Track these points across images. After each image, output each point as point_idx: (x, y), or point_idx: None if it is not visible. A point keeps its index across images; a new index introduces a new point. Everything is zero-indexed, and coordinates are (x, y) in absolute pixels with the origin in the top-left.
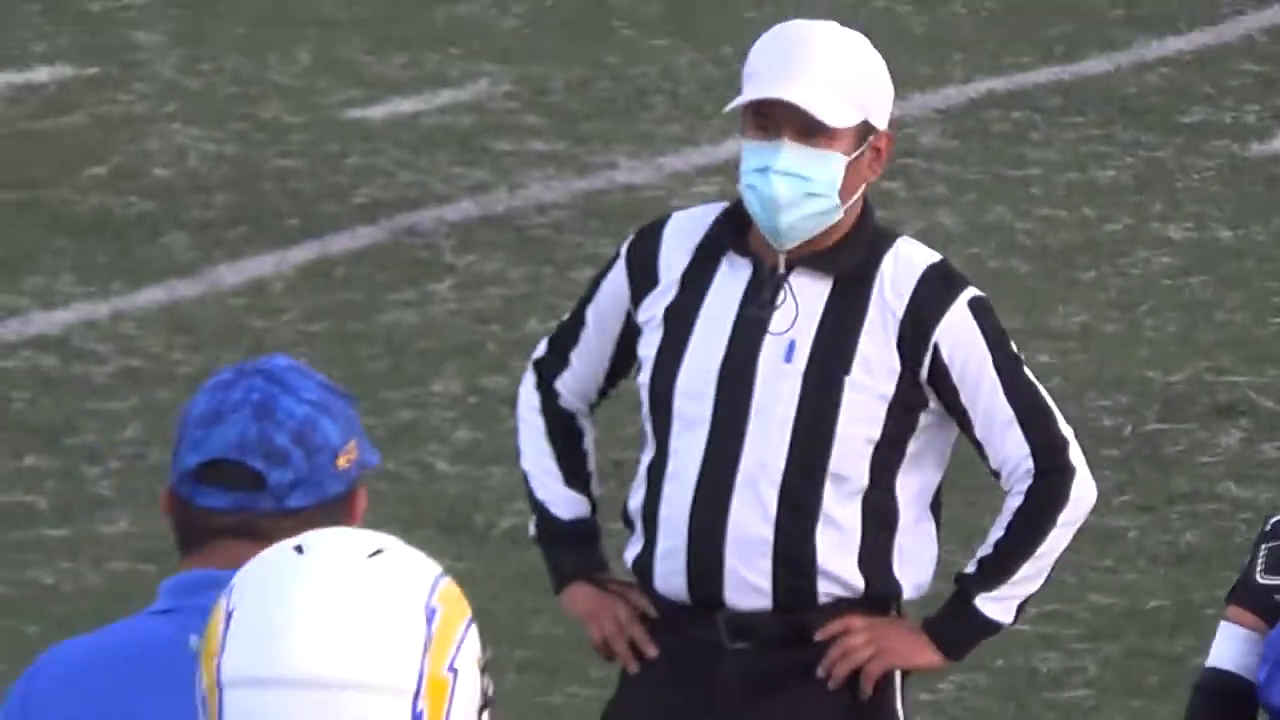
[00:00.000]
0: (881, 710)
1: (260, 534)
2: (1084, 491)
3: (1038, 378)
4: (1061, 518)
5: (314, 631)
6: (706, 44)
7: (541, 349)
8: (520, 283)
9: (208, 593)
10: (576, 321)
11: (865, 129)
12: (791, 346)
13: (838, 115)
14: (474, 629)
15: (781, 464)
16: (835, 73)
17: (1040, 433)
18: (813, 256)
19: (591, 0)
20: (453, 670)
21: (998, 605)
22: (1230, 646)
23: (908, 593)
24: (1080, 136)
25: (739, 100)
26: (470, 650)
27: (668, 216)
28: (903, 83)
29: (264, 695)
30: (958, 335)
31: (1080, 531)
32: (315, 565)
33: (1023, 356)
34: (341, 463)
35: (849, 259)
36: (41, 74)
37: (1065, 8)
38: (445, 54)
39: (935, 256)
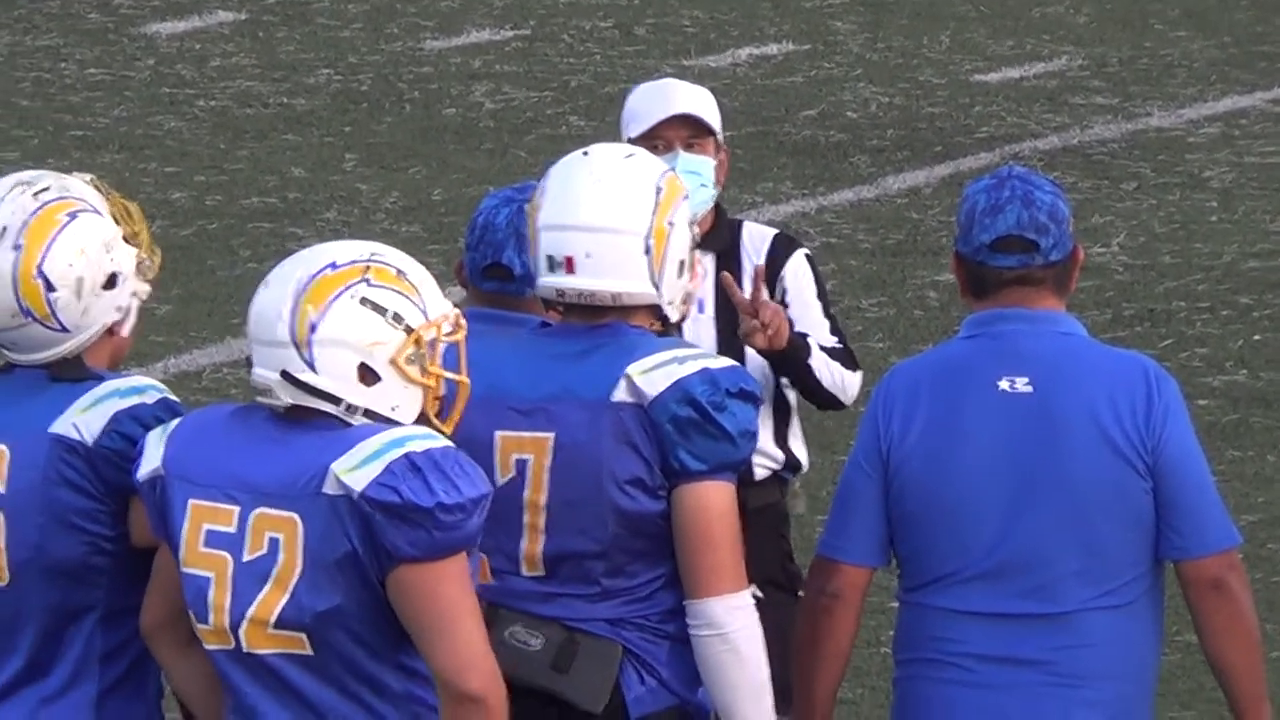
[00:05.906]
0: (786, 553)
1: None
2: (857, 375)
3: None
4: (851, 376)
5: (589, 197)
6: (1211, 34)
7: None
8: (1086, 190)
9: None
10: None
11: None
12: (700, 304)
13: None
14: (687, 201)
15: None
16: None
17: (840, 335)
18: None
19: (1128, 6)
20: (670, 224)
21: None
22: None
23: (805, 462)
24: None
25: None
26: (683, 213)
27: None
28: None
29: (562, 234)
30: (796, 274)
31: None
32: (593, 160)
33: (828, 288)
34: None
35: (719, 241)
36: (772, 48)
37: None
38: (1039, 39)
39: (774, 230)
